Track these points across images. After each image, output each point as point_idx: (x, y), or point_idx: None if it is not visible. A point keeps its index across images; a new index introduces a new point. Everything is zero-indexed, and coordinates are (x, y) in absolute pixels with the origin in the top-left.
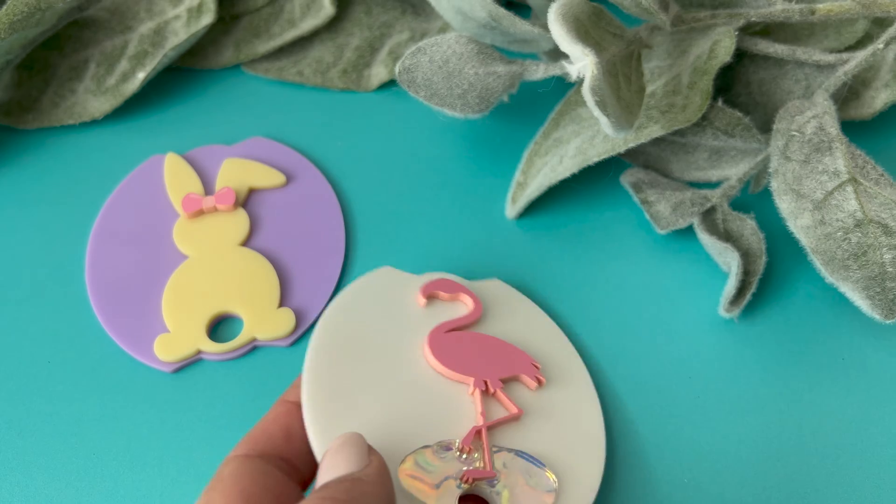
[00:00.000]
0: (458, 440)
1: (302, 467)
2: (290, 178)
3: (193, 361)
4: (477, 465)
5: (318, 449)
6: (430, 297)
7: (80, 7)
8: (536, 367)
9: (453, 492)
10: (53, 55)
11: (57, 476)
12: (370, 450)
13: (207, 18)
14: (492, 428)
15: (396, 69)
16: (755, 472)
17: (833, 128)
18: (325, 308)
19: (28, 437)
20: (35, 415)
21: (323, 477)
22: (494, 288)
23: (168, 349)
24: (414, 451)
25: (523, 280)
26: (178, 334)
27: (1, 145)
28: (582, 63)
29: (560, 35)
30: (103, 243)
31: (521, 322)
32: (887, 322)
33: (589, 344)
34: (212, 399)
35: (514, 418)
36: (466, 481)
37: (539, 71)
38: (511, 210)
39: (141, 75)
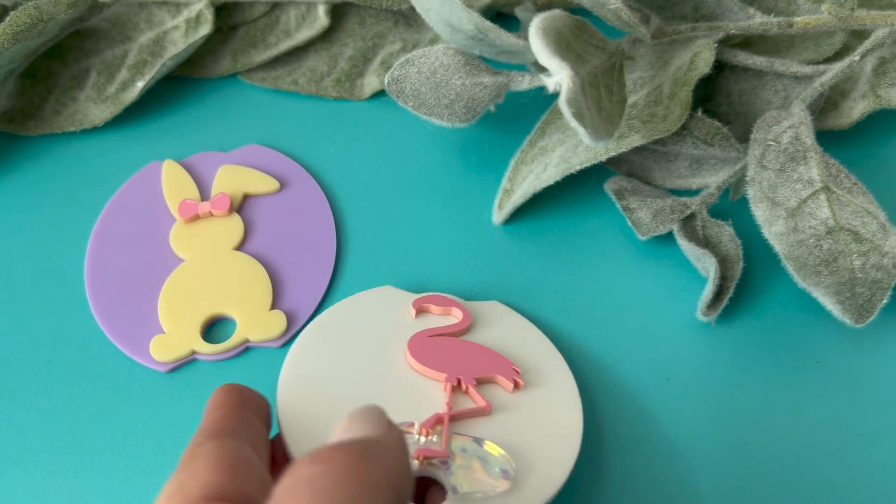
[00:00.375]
0: (417, 423)
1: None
2: (283, 185)
3: (188, 362)
4: (436, 446)
5: (286, 430)
6: (421, 310)
7: (82, 18)
8: (516, 371)
9: None
10: (55, 64)
11: (54, 472)
12: (390, 423)
13: (205, 29)
14: (459, 419)
15: (385, 80)
16: (731, 470)
17: (808, 137)
18: (319, 309)
19: (27, 434)
20: (34, 412)
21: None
22: (491, 307)
23: (163, 350)
24: None
25: (508, 284)
26: (174, 335)
27: (4, 151)
28: (559, 76)
29: (538, 48)
30: (102, 246)
31: (511, 335)
32: (858, 326)
33: (570, 346)
34: (205, 398)
35: (483, 411)
36: (417, 458)
37: (524, 82)
38: (497, 216)
39: (140, 84)
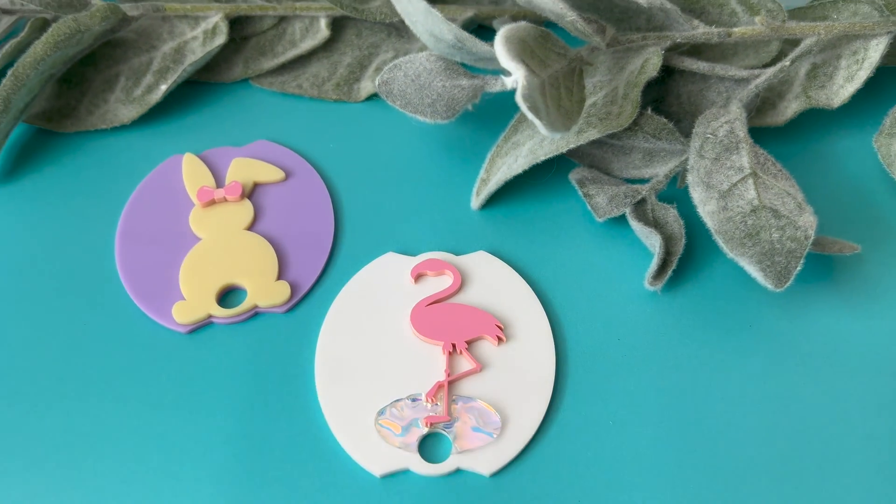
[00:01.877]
0: (423, 393)
1: None
2: (289, 175)
3: (205, 324)
4: (439, 412)
5: (325, 404)
6: (420, 275)
7: (113, 29)
8: (500, 327)
9: (416, 433)
10: (89, 70)
11: (90, 414)
12: None
13: (220, 39)
14: (455, 381)
15: (376, 82)
16: (670, 417)
17: (741, 131)
18: (320, 280)
19: (67, 383)
20: (72, 367)
21: None
22: (479, 258)
23: (184, 313)
24: (390, 403)
25: None
26: (193, 301)
27: (45, 147)
28: (516, 75)
29: (499, 52)
30: (130, 227)
31: (497, 287)
32: (778, 290)
33: None
34: (220, 355)
35: (474, 372)
36: (426, 424)
37: (497, 84)
38: (475, 202)
39: (163, 87)
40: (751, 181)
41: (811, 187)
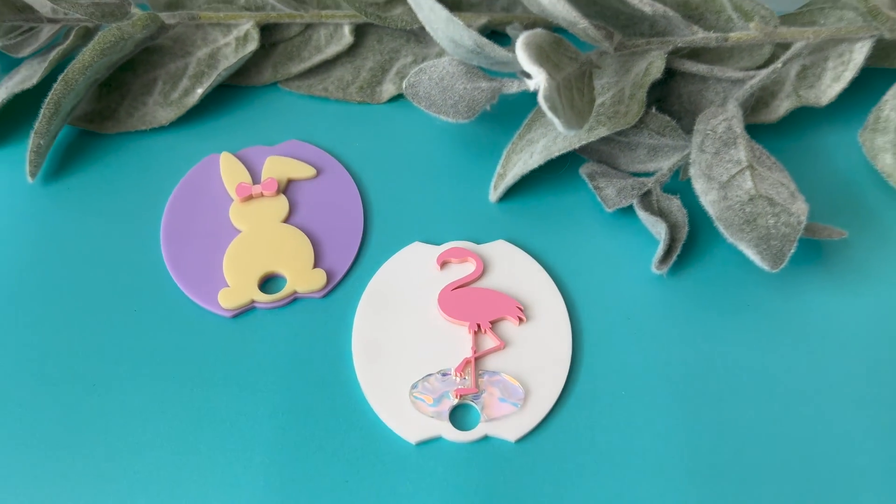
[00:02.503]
0: (452, 368)
1: None
2: (319, 172)
3: (248, 309)
4: (467, 385)
5: (363, 379)
6: (444, 263)
7: (152, 37)
8: (520, 308)
9: (447, 404)
10: (128, 75)
11: (145, 393)
12: None
13: (251, 45)
14: (481, 357)
15: (403, 85)
16: (676, 388)
17: (738, 127)
18: (353, 267)
19: (121, 365)
20: (125, 349)
21: None
22: (500, 246)
23: (228, 299)
24: (423, 377)
25: None
26: (237, 288)
27: (88, 147)
28: (538, 79)
29: (522, 58)
30: (174, 221)
31: (516, 273)
32: (774, 272)
33: None
34: (262, 337)
35: (498, 349)
36: (456, 396)
37: (514, 86)
38: (493, 195)
39: (199, 91)
40: (748, 173)
41: (802, 178)
